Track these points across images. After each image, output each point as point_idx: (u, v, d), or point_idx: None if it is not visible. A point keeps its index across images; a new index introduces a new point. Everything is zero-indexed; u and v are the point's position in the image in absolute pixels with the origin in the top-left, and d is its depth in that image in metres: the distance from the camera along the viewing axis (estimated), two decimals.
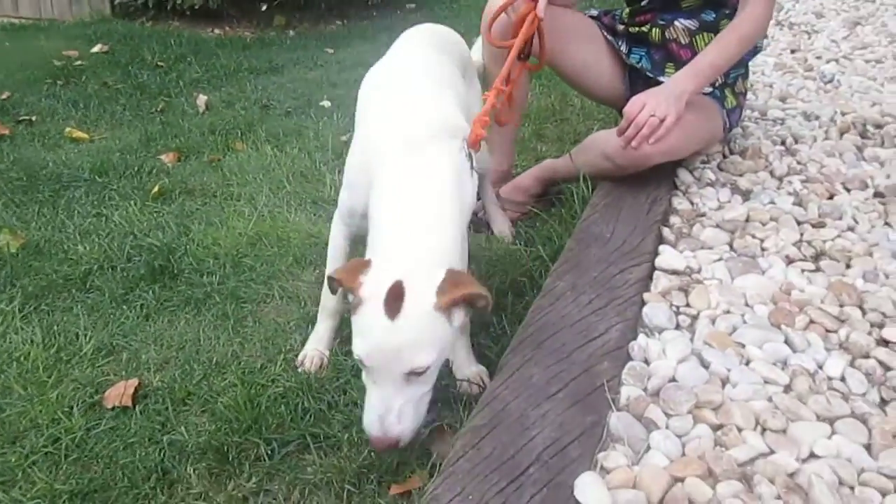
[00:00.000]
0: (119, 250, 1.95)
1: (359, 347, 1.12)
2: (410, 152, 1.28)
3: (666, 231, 1.66)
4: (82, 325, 1.66)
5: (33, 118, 3.10)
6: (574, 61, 1.94)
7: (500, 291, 1.63)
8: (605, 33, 2.02)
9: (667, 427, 1.12)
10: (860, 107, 2.51)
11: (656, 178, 1.87)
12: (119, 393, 1.44)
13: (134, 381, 1.47)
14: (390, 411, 1.11)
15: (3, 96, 3.36)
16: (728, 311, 1.40)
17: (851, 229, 1.72)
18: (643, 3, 1.96)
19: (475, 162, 1.39)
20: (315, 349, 1.51)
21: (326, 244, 1.92)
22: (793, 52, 3.35)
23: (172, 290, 1.78)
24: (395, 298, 1.10)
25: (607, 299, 1.36)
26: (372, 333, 1.11)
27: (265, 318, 1.67)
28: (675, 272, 1.50)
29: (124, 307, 1.73)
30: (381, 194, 1.27)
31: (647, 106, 1.68)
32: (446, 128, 1.35)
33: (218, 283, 1.79)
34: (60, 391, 1.45)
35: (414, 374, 1.11)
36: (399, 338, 1.09)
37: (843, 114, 2.44)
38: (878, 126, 2.34)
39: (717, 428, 1.12)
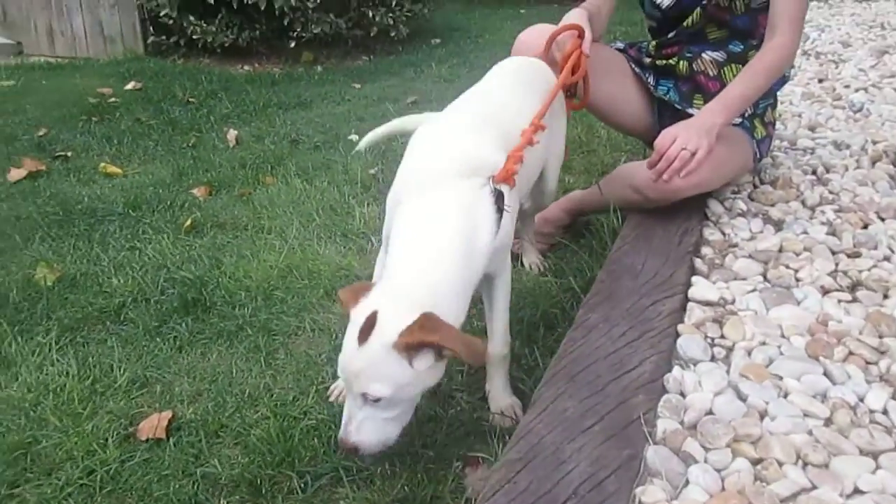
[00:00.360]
0: (152, 283, 1.98)
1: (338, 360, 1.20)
2: (420, 190, 1.32)
3: (698, 262, 1.65)
4: (117, 357, 1.67)
5: (69, 154, 3.17)
6: (604, 95, 1.95)
7: (532, 323, 1.62)
8: (633, 66, 2.04)
9: (705, 461, 1.10)
10: (891, 135, 2.49)
11: (686, 209, 1.86)
12: (153, 425, 1.45)
13: (167, 414, 1.48)
14: (350, 421, 1.20)
15: (40, 133, 3.45)
16: (764, 343, 1.38)
17: (888, 259, 1.69)
18: (670, 37, 1.97)
19: (510, 199, 1.38)
20: None
21: (356, 277, 1.95)
22: (820, 81, 3.34)
23: (205, 322, 1.80)
24: (368, 327, 1.17)
25: (640, 331, 1.35)
26: (344, 352, 1.20)
27: (297, 350, 1.68)
28: (708, 304, 1.49)
29: (158, 339, 1.74)
30: (394, 228, 1.31)
31: (679, 139, 1.68)
32: (464, 166, 1.35)
33: (250, 315, 1.80)
34: (95, 423, 1.47)
35: (372, 399, 1.17)
36: (358, 364, 1.17)
37: (875, 142, 2.42)
38: None
39: (756, 462, 1.09)
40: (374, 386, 1.16)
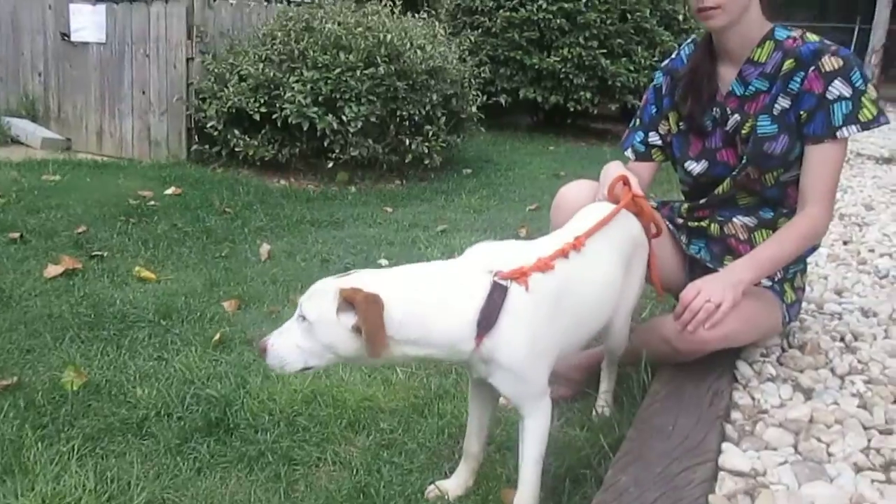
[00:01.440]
0: (177, 397, 1.98)
1: None
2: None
3: (728, 428, 1.63)
4: (135, 475, 1.66)
5: (105, 254, 3.25)
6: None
7: (557, 477, 1.60)
8: (667, 223, 2.10)
9: None
10: None
11: (717, 369, 1.86)
12: None
13: None
14: (279, 330, 1.41)
15: (80, 230, 3.55)
16: None
17: None
18: (701, 202, 2.04)
19: (519, 302, 1.39)
20: (441, 484, 1.62)
21: (380, 409, 1.95)
22: (845, 243, 3.40)
23: (227, 444, 1.79)
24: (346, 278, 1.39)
25: (672, 499, 1.33)
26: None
27: (317, 483, 1.66)
28: (739, 474, 1.47)
29: (178, 458, 1.73)
30: None
31: (703, 292, 1.72)
32: (484, 261, 1.43)
33: (272, 441, 1.79)
34: None
35: (300, 316, 1.37)
36: (314, 288, 1.39)
37: None
38: None
39: None
40: (307, 305, 1.36)
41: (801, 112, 1.83)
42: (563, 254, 1.51)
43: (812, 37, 1.86)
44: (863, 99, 1.79)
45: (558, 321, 1.47)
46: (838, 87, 1.79)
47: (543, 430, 1.46)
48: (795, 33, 1.87)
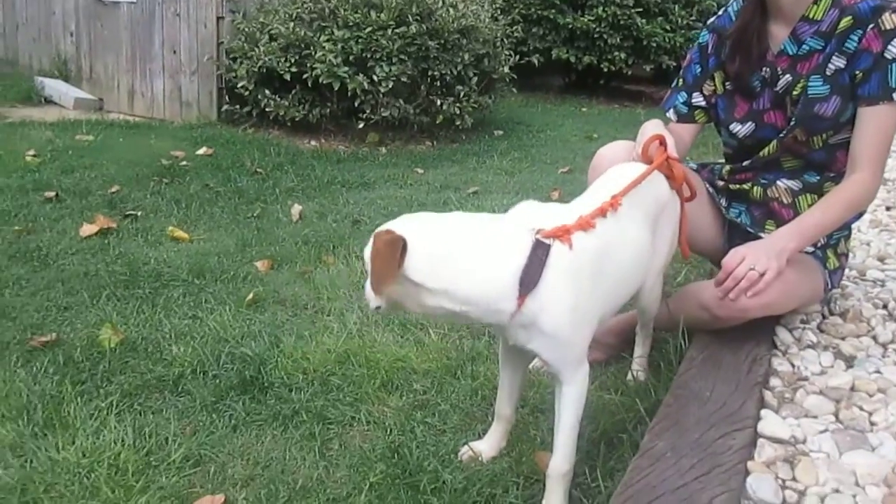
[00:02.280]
0: (212, 356, 2.00)
1: None
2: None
3: (767, 395, 1.61)
4: (172, 431, 1.68)
5: (139, 213, 3.28)
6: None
7: (591, 440, 1.59)
8: (707, 186, 2.05)
9: None
10: None
11: (755, 336, 1.83)
12: None
13: (220, 498, 1.46)
14: None
15: (113, 190, 3.58)
16: (837, 490, 1.32)
17: None
18: (744, 164, 1.98)
19: (563, 258, 1.35)
20: (474, 445, 1.63)
21: (413, 370, 1.95)
22: (888, 209, 3.30)
23: (261, 402, 1.80)
24: None
25: (710, 465, 1.31)
26: None
27: (351, 442, 1.66)
28: (779, 441, 1.44)
29: (214, 416, 1.75)
30: None
31: (747, 259, 1.67)
32: (526, 220, 1.39)
33: (306, 400, 1.80)
34: (147, 498, 1.46)
35: None
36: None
37: None
38: None
39: None
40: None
41: (857, 72, 1.76)
42: (602, 213, 1.47)
43: None
44: None
45: (600, 282, 1.42)
46: None
47: (581, 397, 1.43)
48: None
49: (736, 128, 1.98)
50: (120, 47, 5.82)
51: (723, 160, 2.14)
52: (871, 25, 1.73)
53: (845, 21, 1.76)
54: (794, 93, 1.84)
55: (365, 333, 2.15)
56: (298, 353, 2.02)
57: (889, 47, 1.72)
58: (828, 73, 1.79)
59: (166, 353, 2.03)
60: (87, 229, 3.00)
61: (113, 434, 1.65)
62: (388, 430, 1.70)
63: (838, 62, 1.78)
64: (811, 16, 1.81)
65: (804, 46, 1.83)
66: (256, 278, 2.59)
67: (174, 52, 5.51)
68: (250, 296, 2.39)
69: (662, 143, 1.81)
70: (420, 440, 1.65)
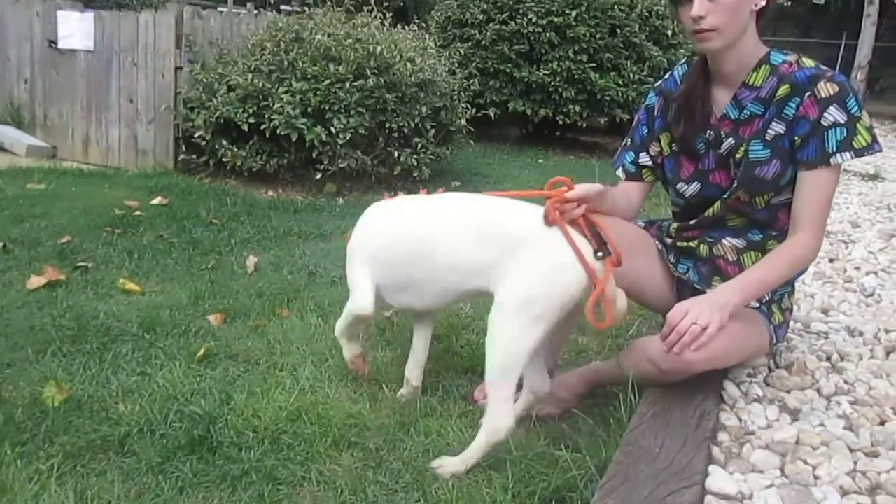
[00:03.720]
0: (160, 414, 1.95)
1: None
2: None
3: (715, 450, 1.63)
4: (116, 494, 1.63)
5: (89, 265, 3.21)
6: (631, 272, 1.92)
7: (543, 498, 1.59)
8: (657, 242, 2.10)
9: None
10: None
11: (703, 389, 1.86)
12: None
13: None
14: None
15: (64, 240, 3.51)
16: None
17: None
18: (691, 223, 2.04)
19: None
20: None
21: (366, 427, 1.93)
22: (831, 261, 3.41)
23: (210, 463, 1.76)
24: None
25: None
26: None
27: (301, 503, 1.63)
28: (726, 497, 1.46)
29: (160, 477, 1.70)
30: None
31: (691, 313, 1.71)
32: None
33: (256, 459, 1.77)
34: None
35: None
36: None
37: (888, 331, 2.45)
38: None
39: None
40: None
41: (796, 137, 1.83)
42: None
43: (808, 62, 1.86)
44: (857, 125, 1.78)
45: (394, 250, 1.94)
46: (833, 114, 1.78)
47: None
48: (791, 58, 1.87)
49: (682, 187, 2.04)
50: (75, 95, 5.77)
51: (671, 216, 2.20)
52: (807, 94, 1.80)
53: (783, 89, 1.84)
54: (737, 155, 1.91)
55: (318, 389, 2.13)
56: (249, 410, 1.99)
57: (825, 115, 1.79)
58: (768, 137, 1.87)
59: (112, 412, 1.98)
60: (35, 281, 2.93)
61: (53, 499, 1.60)
62: (339, 491, 1.67)
63: (778, 128, 1.85)
64: (751, 82, 1.89)
65: (745, 111, 1.90)
66: (209, 332, 2.56)
67: (131, 100, 5.49)
68: (201, 351, 2.35)
69: (569, 186, 1.79)
70: (371, 500, 1.63)
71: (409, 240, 1.90)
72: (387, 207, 2.06)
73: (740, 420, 1.80)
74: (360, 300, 1.99)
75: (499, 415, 1.71)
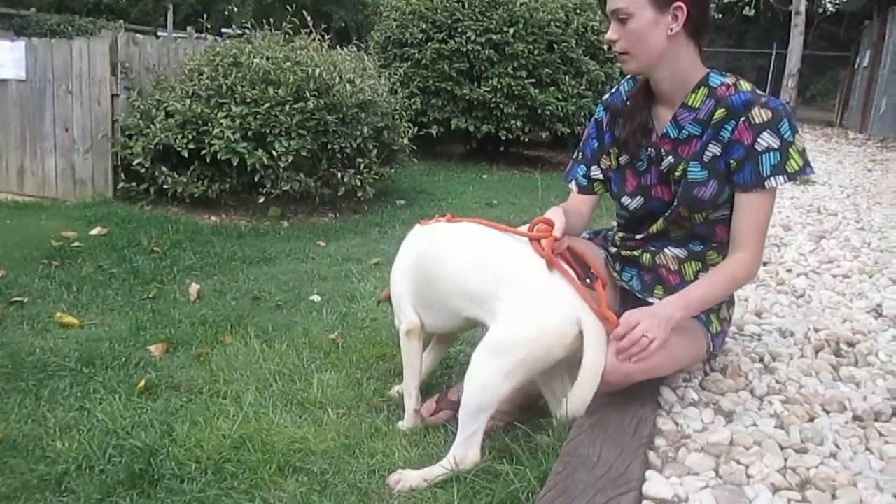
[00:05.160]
0: (99, 450, 1.92)
1: None
2: None
3: (652, 455, 1.67)
4: None
5: (25, 300, 3.14)
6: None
7: None
8: (602, 252, 2.15)
9: None
10: (832, 323, 2.63)
11: (640, 396, 1.90)
12: None
13: None
14: None
15: None
16: None
17: (834, 456, 1.74)
18: (637, 237, 2.10)
19: None
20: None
21: (310, 451, 1.93)
22: (764, 264, 3.52)
23: (151, 497, 1.74)
24: None
25: None
26: None
27: None
28: (662, 501, 1.50)
29: None
30: None
31: (642, 325, 1.76)
32: None
33: (199, 490, 1.75)
34: None
35: None
36: None
37: (817, 330, 2.54)
38: (851, 344, 2.43)
39: None
40: None
41: (731, 161, 1.89)
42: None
43: (745, 85, 1.90)
44: (790, 150, 1.85)
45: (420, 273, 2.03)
46: (767, 139, 1.84)
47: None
48: (729, 80, 1.91)
49: (627, 201, 2.09)
50: (8, 125, 5.63)
51: (615, 225, 2.26)
52: (742, 118, 1.86)
53: (720, 112, 1.89)
54: (676, 174, 1.97)
55: (262, 415, 2.12)
56: (192, 440, 1.97)
57: (758, 140, 1.85)
58: (705, 159, 1.93)
59: (49, 450, 1.94)
60: None
61: None
62: None
63: (714, 149, 1.91)
64: (690, 103, 1.94)
65: (684, 131, 1.96)
66: (150, 363, 2.52)
67: (66, 129, 5.38)
68: (142, 383, 2.32)
69: (549, 224, 1.90)
70: None
71: (424, 261, 2.05)
72: (423, 230, 2.16)
73: (677, 424, 1.85)
74: (404, 316, 2.08)
75: (466, 448, 1.78)
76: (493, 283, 1.82)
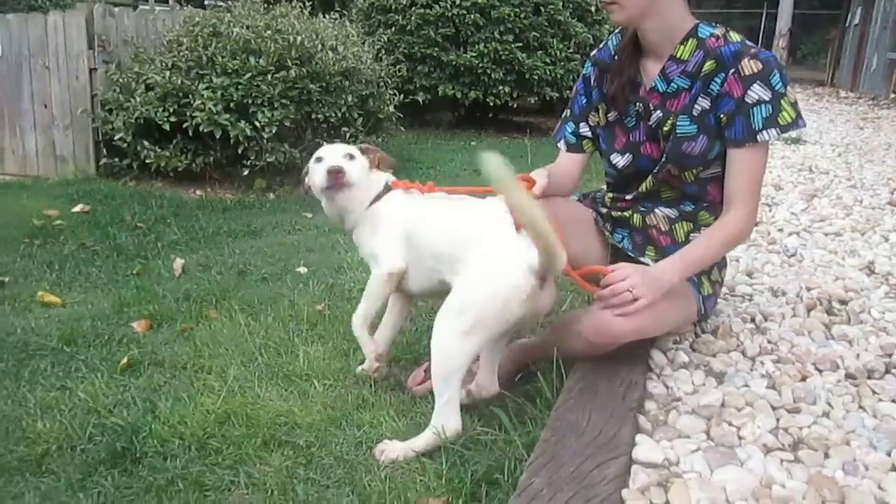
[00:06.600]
0: (80, 429, 1.88)
1: None
2: None
3: (642, 419, 1.64)
4: None
5: (6, 279, 3.09)
6: (570, 246, 1.94)
7: (476, 481, 1.58)
8: (592, 212, 2.11)
9: None
10: (824, 282, 2.60)
11: (630, 360, 1.87)
12: None
13: None
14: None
15: None
16: None
17: (826, 415, 1.71)
18: (627, 197, 2.05)
19: None
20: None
21: (296, 424, 1.89)
22: (756, 224, 3.48)
23: (133, 475, 1.70)
24: None
25: (585, 498, 1.32)
26: None
27: None
28: (652, 465, 1.47)
29: (80, 495, 1.63)
30: None
31: (630, 279, 1.73)
32: None
33: (182, 467, 1.71)
34: None
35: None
36: None
37: (809, 289, 2.51)
38: (843, 302, 2.41)
39: None
40: None
41: (721, 115, 1.83)
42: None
43: (734, 36, 1.84)
44: (782, 102, 1.79)
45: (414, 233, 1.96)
46: (757, 91, 1.79)
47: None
48: (718, 31, 1.85)
49: (616, 158, 2.04)
50: None
51: (604, 187, 2.20)
52: (731, 70, 1.80)
53: (709, 64, 1.84)
54: (665, 129, 1.92)
55: (247, 390, 2.08)
56: (175, 417, 1.93)
57: (749, 92, 1.79)
58: (695, 113, 1.87)
59: (30, 431, 1.90)
60: None
61: None
62: (269, 492, 1.63)
63: (704, 103, 1.86)
64: (678, 55, 1.88)
65: (672, 85, 1.90)
66: (133, 340, 2.47)
67: (45, 106, 5.28)
68: (125, 360, 2.27)
69: (530, 183, 1.85)
70: (301, 499, 1.60)
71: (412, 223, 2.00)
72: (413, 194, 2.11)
73: (667, 387, 1.82)
74: (390, 258, 1.97)
75: (446, 416, 1.74)
76: (460, 247, 1.80)
